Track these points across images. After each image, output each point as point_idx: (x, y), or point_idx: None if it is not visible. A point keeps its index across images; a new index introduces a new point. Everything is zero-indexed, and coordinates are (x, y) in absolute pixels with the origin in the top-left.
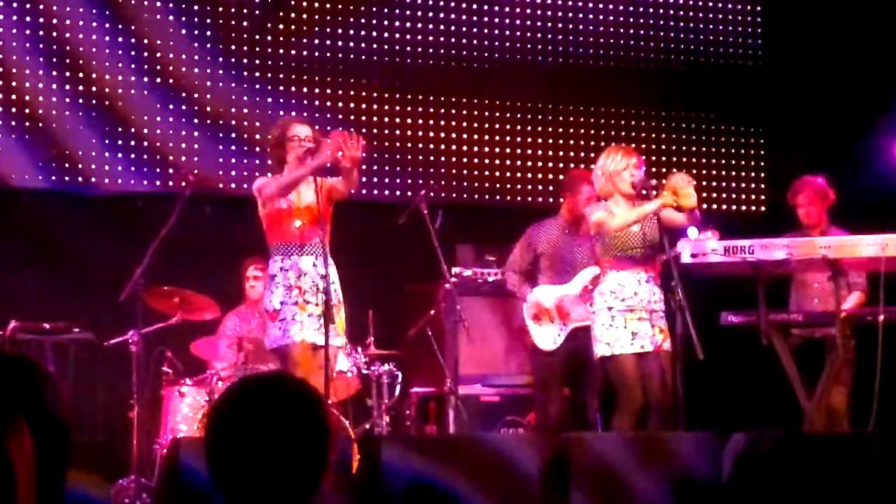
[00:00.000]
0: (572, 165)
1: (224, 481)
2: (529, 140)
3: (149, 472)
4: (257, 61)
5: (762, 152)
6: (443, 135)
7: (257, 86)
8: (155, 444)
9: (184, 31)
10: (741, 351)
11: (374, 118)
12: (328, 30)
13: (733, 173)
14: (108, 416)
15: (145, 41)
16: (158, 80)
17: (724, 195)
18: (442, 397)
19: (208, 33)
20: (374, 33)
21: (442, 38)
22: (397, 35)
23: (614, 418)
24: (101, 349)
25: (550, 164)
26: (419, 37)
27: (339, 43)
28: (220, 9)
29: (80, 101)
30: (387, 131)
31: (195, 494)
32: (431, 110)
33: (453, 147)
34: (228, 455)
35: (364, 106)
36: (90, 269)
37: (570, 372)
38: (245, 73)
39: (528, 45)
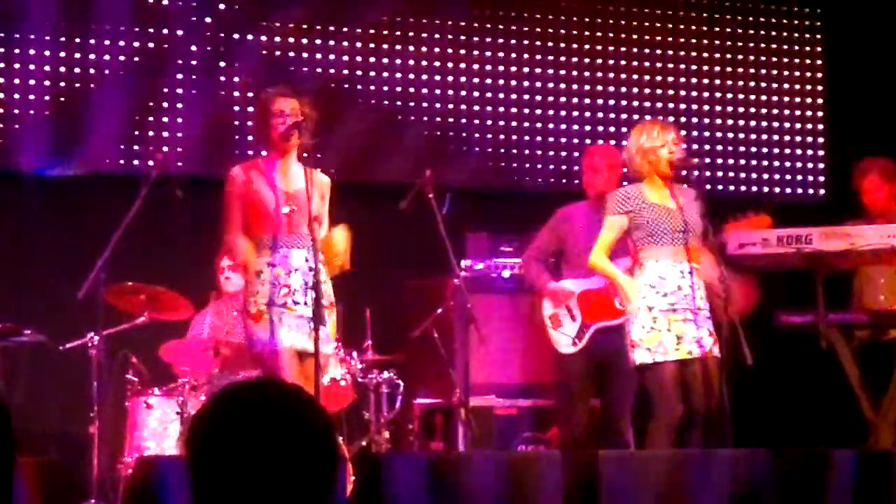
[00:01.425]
0: (601, 142)
1: None
2: (551, 113)
3: (111, 495)
4: (236, 21)
5: (821, 127)
6: (451, 106)
7: (236, 49)
8: (118, 463)
9: None
10: (797, 356)
11: (372, 87)
12: None
13: (787, 151)
14: (65, 431)
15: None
16: (122, 43)
17: (777, 177)
18: (450, 410)
19: None
20: None
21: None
22: None
23: (649, 431)
24: (57, 354)
25: (576, 141)
26: None
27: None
28: None
29: (31, 66)
30: (387, 102)
31: None
32: (437, 78)
33: (463, 121)
34: (215, 475)
35: (360, 73)
36: (43, 262)
37: (600, 380)
38: (223, 36)
39: None
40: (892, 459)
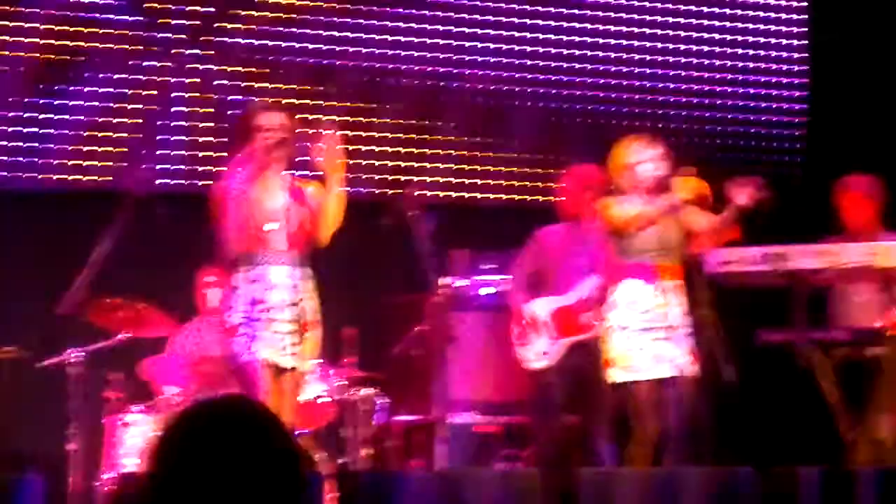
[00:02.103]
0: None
1: None
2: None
3: None
4: (214, 39)
5: (801, 145)
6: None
7: (216, 67)
8: (96, 481)
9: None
10: (778, 374)
11: (352, 98)
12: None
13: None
14: (41, 449)
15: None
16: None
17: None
18: (430, 427)
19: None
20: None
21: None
22: None
23: (628, 451)
24: (34, 370)
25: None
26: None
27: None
28: None
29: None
30: (368, 115)
31: None
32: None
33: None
34: (177, 496)
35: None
36: (22, 277)
37: (574, 397)
38: (206, 57)
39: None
40: (865, 477)
